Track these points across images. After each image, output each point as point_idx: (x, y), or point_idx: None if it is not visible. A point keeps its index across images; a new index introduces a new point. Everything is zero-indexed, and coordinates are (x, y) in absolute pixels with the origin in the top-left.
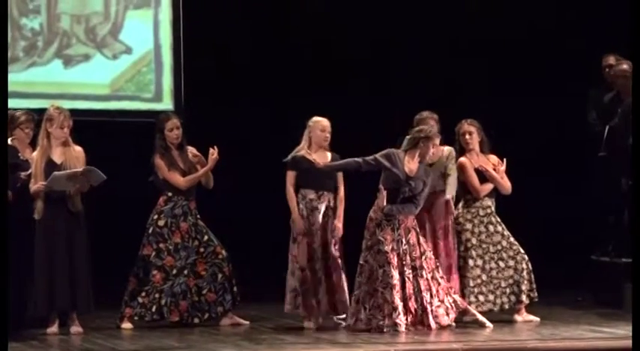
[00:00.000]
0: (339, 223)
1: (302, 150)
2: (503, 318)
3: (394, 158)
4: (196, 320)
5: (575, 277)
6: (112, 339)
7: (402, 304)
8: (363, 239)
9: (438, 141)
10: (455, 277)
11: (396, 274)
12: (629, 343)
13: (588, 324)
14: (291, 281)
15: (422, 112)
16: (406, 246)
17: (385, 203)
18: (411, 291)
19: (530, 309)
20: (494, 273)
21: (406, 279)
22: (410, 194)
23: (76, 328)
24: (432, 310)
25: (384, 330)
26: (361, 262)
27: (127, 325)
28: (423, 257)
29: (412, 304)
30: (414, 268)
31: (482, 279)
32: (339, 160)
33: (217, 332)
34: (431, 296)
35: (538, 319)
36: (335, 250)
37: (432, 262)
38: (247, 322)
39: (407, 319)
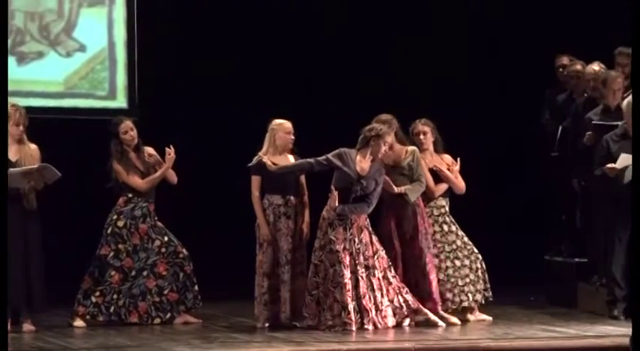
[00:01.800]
0: (306, 228)
1: (265, 154)
2: (456, 317)
3: (346, 157)
4: (157, 320)
5: (528, 276)
6: (65, 337)
7: (354, 303)
8: (316, 239)
9: (390, 140)
10: (431, 278)
11: (347, 273)
12: (581, 342)
13: (541, 323)
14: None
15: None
16: (359, 245)
17: (337, 204)
18: (365, 290)
19: (482, 308)
20: (450, 272)
21: (359, 278)
22: (362, 193)
23: (28, 326)
24: (381, 310)
25: (335, 329)
26: (315, 261)
27: (79, 323)
28: (376, 256)
29: (366, 303)
30: (366, 267)
31: (439, 278)
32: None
33: (170, 331)
34: (382, 296)
35: (490, 318)
36: (301, 256)
37: (384, 261)
38: (200, 321)
39: (362, 319)
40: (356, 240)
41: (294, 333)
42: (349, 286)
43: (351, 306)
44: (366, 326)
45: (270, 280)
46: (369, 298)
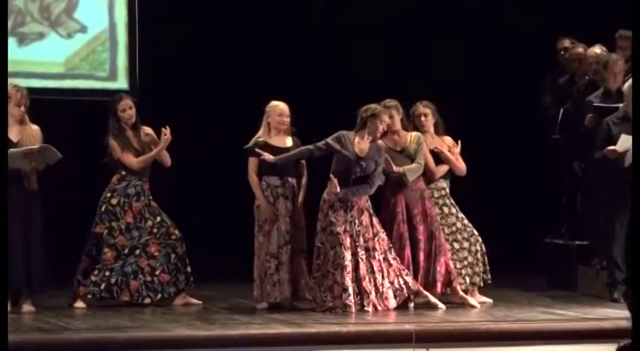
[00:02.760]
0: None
1: (262, 136)
2: (455, 299)
3: (344, 140)
4: (147, 300)
5: (528, 259)
6: (65, 318)
7: (354, 285)
8: (317, 221)
9: (387, 119)
10: (442, 260)
11: (347, 255)
12: (581, 324)
13: (541, 306)
14: (258, 268)
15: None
16: (359, 227)
17: (338, 189)
18: (365, 272)
19: (483, 291)
20: (449, 255)
21: (359, 260)
22: (362, 174)
23: (28, 307)
24: (382, 292)
25: (335, 311)
26: (318, 244)
27: (79, 304)
28: (376, 238)
29: (366, 285)
30: (367, 249)
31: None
32: (299, 147)
33: (170, 312)
34: (382, 277)
35: (491, 300)
36: (300, 236)
37: (385, 243)
38: (200, 302)
39: (362, 300)
40: (356, 222)
41: (293, 314)
42: (349, 268)
43: (350, 288)
44: (366, 308)
45: (276, 260)
46: (369, 280)
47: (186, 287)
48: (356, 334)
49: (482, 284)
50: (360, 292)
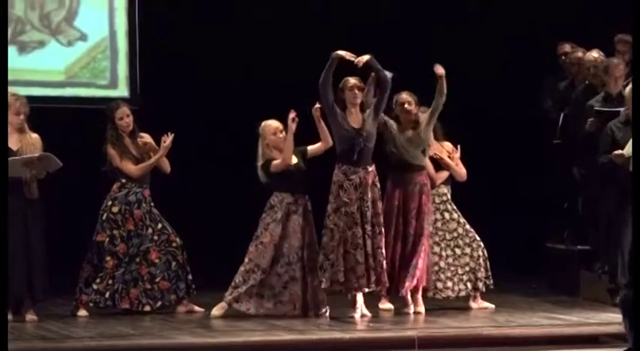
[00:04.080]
0: None
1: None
2: (458, 305)
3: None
4: (147, 308)
5: (530, 264)
6: (67, 326)
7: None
8: (328, 204)
9: (351, 83)
10: (420, 261)
11: (360, 233)
12: (583, 329)
13: (543, 311)
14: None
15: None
16: (368, 203)
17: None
18: (370, 249)
19: (485, 296)
20: (450, 260)
21: (366, 236)
22: (365, 145)
23: (30, 316)
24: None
25: (364, 290)
26: (331, 226)
27: (82, 312)
28: (380, 216)
29: (371, 262)
30: (372, 225)
31: (440, 266)
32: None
33: (172, 319)
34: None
35: (493, 306)
36: (312, 253)
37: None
38: (202, 310)
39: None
40: (365, 197)
41: (296, 321)
42: (363, 247)
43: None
44: (372, 285)
45: (264, 275)
46: (374, 256)
47: (186, 295)
48: (358, 340)
49: (484, 290)
50: (368, 269)
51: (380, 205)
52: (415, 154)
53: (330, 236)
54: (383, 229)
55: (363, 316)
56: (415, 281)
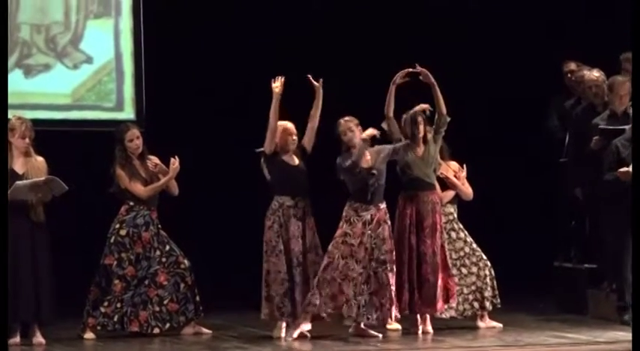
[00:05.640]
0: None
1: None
2: (466, 324)
3: (346, 161)
4: (157, 330)
5: (537, 283)
6: (75, 349)
7: (363, 298)
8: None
9: (346, 126)
10: (441, 276)
11: (358, 268)
12: (592, 348)
13: (551, 330)
14: (266, 289)
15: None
16: (376, 240)
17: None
18: (377, 285)
19: (492, 315)
20: (456, 280)
21: (371, 273)
22: (378, 183)
23: (38, 339)
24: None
25: (332, 319)
26: (329, 249)
27: (89, 335)
28: (392, 253)
29: (376, 299)
30: (382, 262)
31: None
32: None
33: (179, 342)
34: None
35: (501, 325)
36: (316, 256)
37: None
38: (210, 331)
39: (369, 314)
40: (374, 234)
41: (307, 343)
42: (357, 281)
43: (354, 302)
44: (371, 321)
45: (286, 284)
46: (382, 293)
47: (195, 317)
48: None
49: (491, 309)
50: (367, 305)
51: (390, 242)
52: (427, 172)
53: (327, 262)
54: (394, 267)
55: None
56: (440, 303)
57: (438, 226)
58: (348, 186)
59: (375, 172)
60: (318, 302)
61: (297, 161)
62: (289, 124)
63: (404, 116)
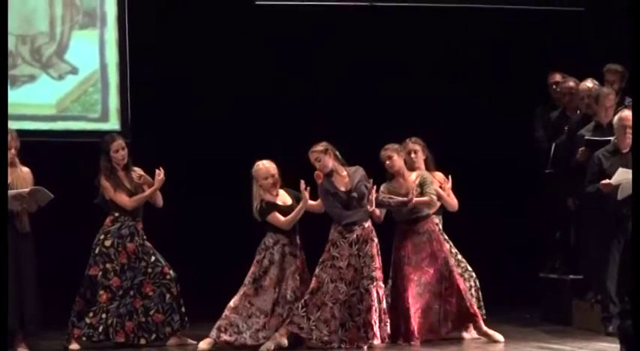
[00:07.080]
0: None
1: (264, 198)
2: (451, 335)
3: (328, 185)
4: (143, 341)
5: (523, 294)
6: None
7: (358, 318)
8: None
9: (316, 155)
10: (453, 300)
11: (349, 290)
12: None
13: (536, 341)
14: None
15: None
16: (364, 258)
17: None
18: (370, 302)
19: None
20: (466, 293)
21: (362, 292)
22: (357, 204)
23: (22, 349)
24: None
25: (331, 346)
26: (316, 273)
27: (74, 346)
28: (380, 270)
29: (371, 316)
30: (373, 279)
31: None
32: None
33: None
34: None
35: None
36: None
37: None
38: (194, 342)
39: (367, 333)
40: (361, 253)
41: None
42: (349, 304)
43: (349, 323)
44: (370, 341)
45: (267, 318)
46: (375, 310)
47: (180, 327)
48: None
49: None
50: (365, 325)
51: (378, 259)
52: (418, 207)
53: (314, 286)
54: (382, 284)
55: None
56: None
57: (439, 254)
58: (329, 209)
59: (354, 194)
60: (305, 326)
61: (288, 201)
62: (266, 165)
63: (402, 144)
